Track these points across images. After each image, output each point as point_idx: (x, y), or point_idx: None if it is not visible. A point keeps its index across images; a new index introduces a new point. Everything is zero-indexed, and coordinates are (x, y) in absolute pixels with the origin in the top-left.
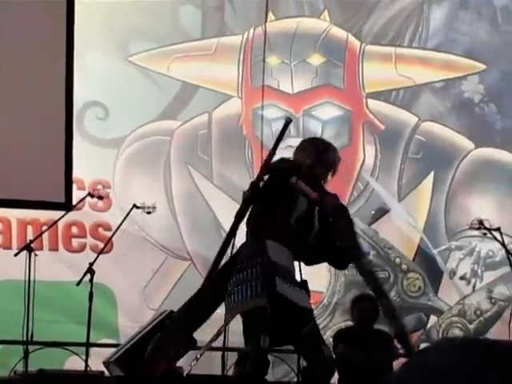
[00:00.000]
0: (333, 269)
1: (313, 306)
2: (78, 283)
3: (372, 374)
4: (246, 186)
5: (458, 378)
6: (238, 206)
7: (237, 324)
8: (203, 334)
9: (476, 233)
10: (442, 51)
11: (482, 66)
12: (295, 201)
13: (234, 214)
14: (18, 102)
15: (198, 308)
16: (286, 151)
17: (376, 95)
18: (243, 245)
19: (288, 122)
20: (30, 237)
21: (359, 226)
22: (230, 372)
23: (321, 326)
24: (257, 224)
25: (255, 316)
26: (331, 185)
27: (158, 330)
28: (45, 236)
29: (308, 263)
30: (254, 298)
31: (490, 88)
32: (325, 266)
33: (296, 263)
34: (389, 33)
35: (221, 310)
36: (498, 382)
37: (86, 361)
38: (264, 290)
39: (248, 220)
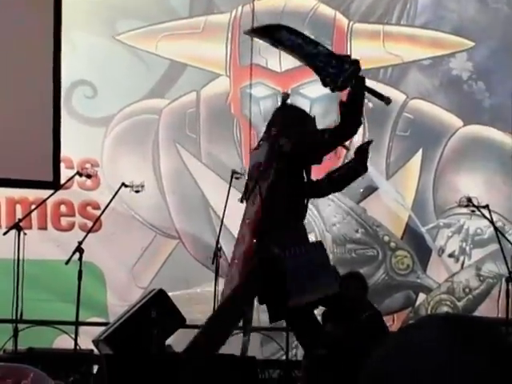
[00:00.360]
0: None
1: None
2: (67, 262)
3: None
4: (235, 165)
5: (440, 353)
6: (226, 185)
7: None
8: (191, 313)
9: (464, 210)
10: (430, 28)
11: (471, 44)
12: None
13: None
14: (5, 82)
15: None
16: None
17: (364, 73)
18: (284, 233)
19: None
20: (18, 216)
21: (348, 204)
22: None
23: None
24: (292, 210)
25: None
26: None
27: (147, 309)
28: (33, 215)
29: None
30: (330, 284)
31: (478, 65)
32: None
33: None
34: (377, 10)
35: (210, 288)
36: (479, 358)
37: (76, 339)
38: (335, 278)
39: (272, 207)
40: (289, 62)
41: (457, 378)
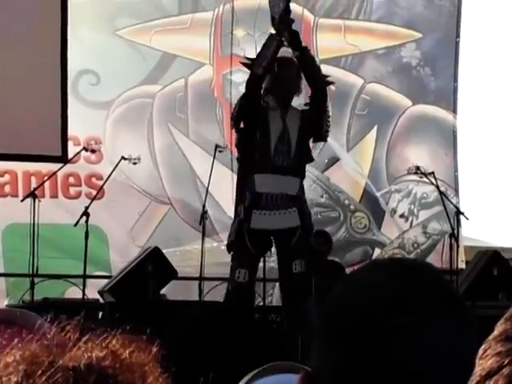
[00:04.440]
0: None
1: None
2: (75, 225)
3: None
4: (217, 140)
5: (387, 293)
6: (210, 158)
7: (212, 257)
8: (181, 267)
9: (413, 177)
10: (383, 22)
11: (419, 35)
12: None
13: None
14: (20, 72)
15: None
16: None
17: (328, 61)
18: None
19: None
20: (33, 186)
21: (314, 173)
22: (206, 298)
23: None
24: None
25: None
26: None
27: (144, 264)
28: (46, 185)
29: None
30: None
31: (425, 54)
32: None
33: None
34: (338, 7)
35: (198, 246)
36: (421, 295)
37: (83, 290)
38: None
39: None
40: None
41: (406, 307)
